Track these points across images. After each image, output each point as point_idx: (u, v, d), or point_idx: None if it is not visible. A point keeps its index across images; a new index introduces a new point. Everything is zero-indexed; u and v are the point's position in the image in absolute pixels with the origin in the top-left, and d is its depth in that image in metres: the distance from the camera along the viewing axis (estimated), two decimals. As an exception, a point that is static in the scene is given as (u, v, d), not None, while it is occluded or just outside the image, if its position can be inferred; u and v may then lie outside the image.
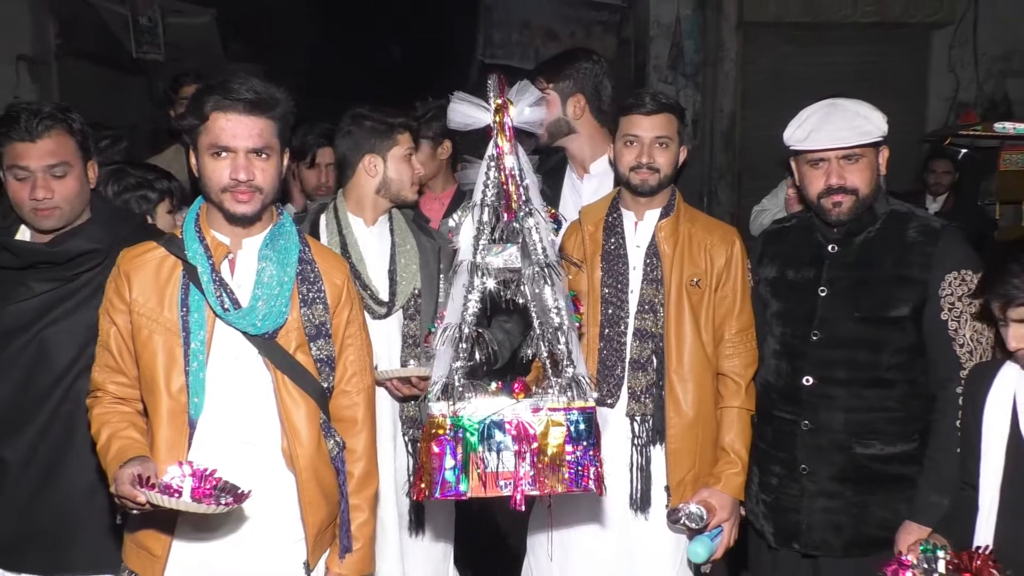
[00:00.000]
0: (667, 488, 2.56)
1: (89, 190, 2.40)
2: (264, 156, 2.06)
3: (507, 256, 1.93)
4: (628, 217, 2.64)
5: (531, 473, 1.86)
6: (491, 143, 1.95)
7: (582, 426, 1.88)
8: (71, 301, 2.31)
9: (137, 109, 8.55)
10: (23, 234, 2.38)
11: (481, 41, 8.55)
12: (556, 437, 1.87)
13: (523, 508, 1.90)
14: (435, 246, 2.77)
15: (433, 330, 2.10)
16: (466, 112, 1.97)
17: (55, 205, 2.31)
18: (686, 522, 2.51)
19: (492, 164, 1.95)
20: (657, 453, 2.57)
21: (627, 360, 2.56)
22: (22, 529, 2.32)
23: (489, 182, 1.94)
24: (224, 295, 2.05)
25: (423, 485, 1.89)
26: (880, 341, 2.40)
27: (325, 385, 2.14)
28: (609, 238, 2.63)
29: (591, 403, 1.91)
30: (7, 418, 2.32)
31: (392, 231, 2.75)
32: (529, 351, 1.98)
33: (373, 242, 2.74)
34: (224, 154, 2.04)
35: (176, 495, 1.87)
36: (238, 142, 2.03)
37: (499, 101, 1.92)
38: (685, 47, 7.71)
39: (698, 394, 2.55)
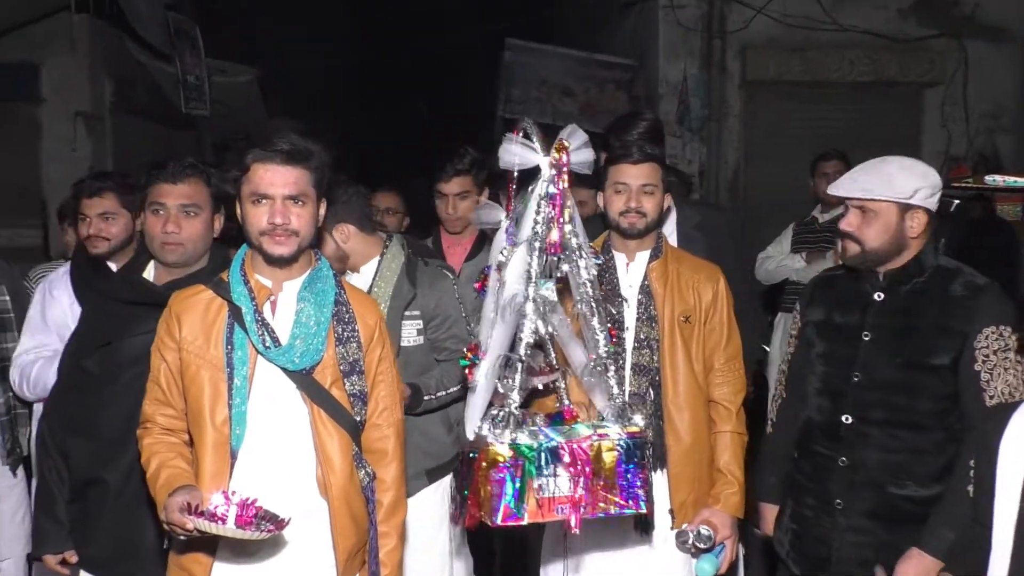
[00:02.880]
0: (671, 511, 2.58)
1: (212, 239, 2.51)
2: (300, 203, 2.11)
3: (551, 289, 1.96)
4: (620, 259, 2.69)
5: (586, 496, 1.87)
6: (542, 182, 1.99)
7: (634, 450, 1.90)
8: None
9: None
10: (149, 271, 2.50)
11: (502, 98, 8.65)
12: (608, 461, 1.88)
13: (578, 531, 1.91)
14: (411, 292, 2.81)
15: (476, 361, 2.13)
16: (517, 153, 2.02)
17: (180, 241, 2.42)
18: (695, 543, 2.53)
19: (544, 202, 1.98)
20: (659, 478, 2.58)
21: (627, 393, 2.58)
22: (114, 546, 2.39)
23: (540, 219, 1.98)
24: (266, 334, 2.09)
25: (480, 513, 1.90)
26: (918, 387, 2.39)
27: (358, 419, 2.17)
28: (603, 279, 2.65)
29: (640, 427, 1.93)
30: (113, 444, 2.37)
31: (376, 273, 2.83)
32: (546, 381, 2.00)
33: (358, 284, 2.77)
34: (263, 201, 2.09)
35: (220, 522, 1.89)
36: (275, 189, 2.08)
37: (560, 141, 1.97)
38: (692, 104, 7.78)
39: (693, 421, 2.59)
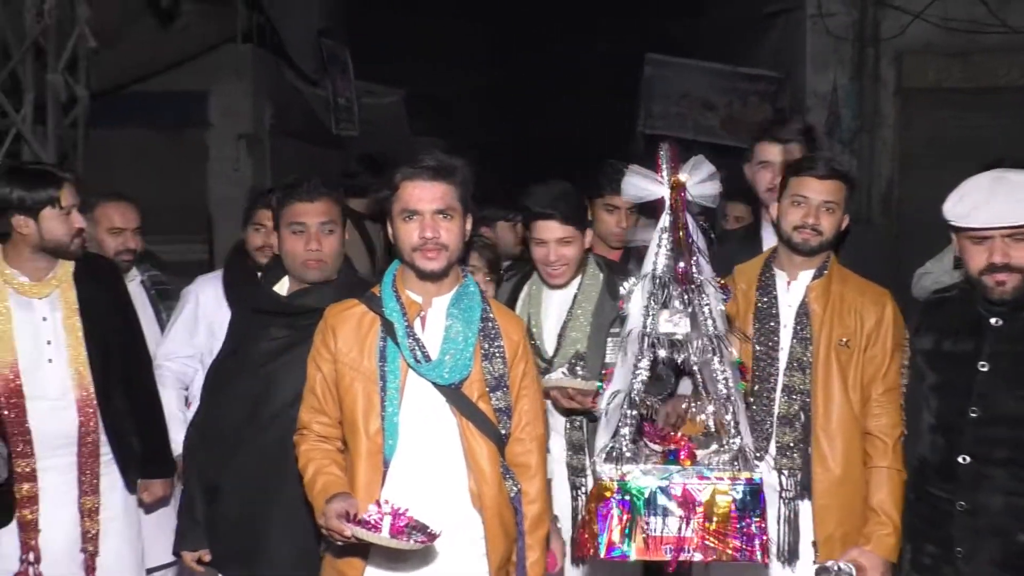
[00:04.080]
0: (814, 543, 2.46)
1: (343, 253, 2.60)
2: (448, 217, 2.16)
3: (676, 324, 1.91)
4: (781, 277, 2.59)
5: (695, 540, 1.83)
6: (664, 215, 1.96)
7: (748, 497, 1.84)
8: (299, 348, 2.43)
9: (335, 178, 9.13)
10: (281, 285, 2.59)
11: (642, 113, 8.59)
12: (722, 506, 1.83)
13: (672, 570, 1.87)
14: (615, 310, 2.74)
15: (600, 391, 2.12)
16: (640, 185, 2.00)
17: (322, 258, 2.50)
18: None
19: (665, 235, 1.95)
20: (805, 508, 2.48)
21: (775, 415, 2.50)
22: (231, 544, 2.47)
23: (660, 252, 1.95)
24: (416, 348, 2.15)
25: (589, 544, 1.89)
26: None
27: (503, 432, 2.20)
28: (762, 296, 2.58)
29: (757, 475, 1.86)
30: (229, 444, 2.47)
31: (577, 294, 2.79)
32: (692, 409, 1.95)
33: (555, 303, 2.81)
34: (413, 217, 2.15)
35: (376, 531, 1.94)
36: (424, 205, 2.14)
37: (675, 178, 1.94)
38: (842, 115, 7.47)
39: (845, 452, 2.45)
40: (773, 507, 2.46)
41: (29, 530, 2.63)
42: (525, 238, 2.97)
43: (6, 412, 2.59)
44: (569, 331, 2.75)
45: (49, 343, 2.69)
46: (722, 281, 2.07)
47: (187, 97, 7.85)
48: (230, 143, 7.96)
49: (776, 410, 2.49)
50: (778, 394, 2.49)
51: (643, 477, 1.87)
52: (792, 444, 2.47)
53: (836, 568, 2.38)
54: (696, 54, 9.02)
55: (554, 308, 2.81)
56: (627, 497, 1.86)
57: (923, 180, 7.23)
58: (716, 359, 1.87)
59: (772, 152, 3.03)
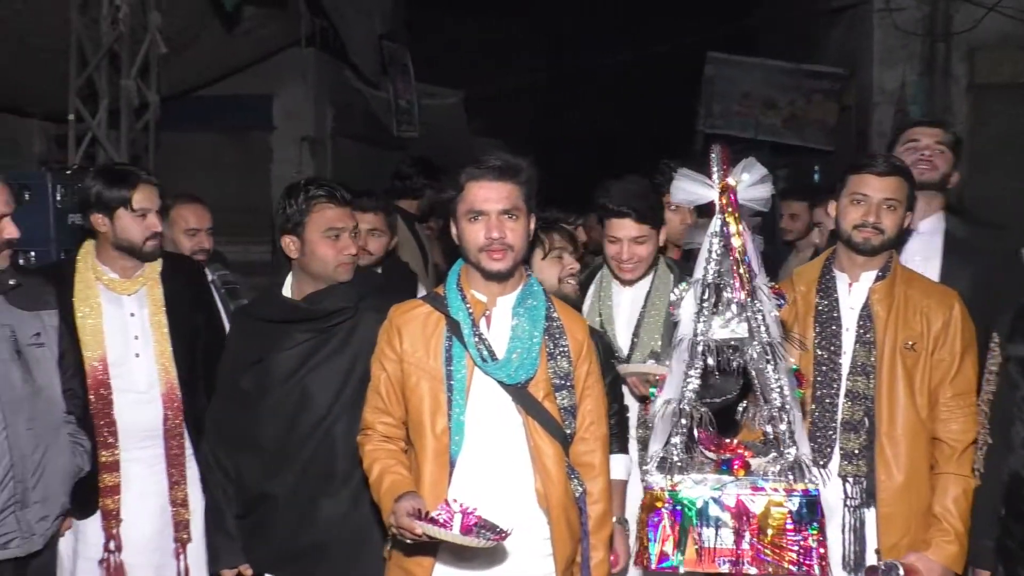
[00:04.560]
0: (878, 551, 2.39)
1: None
2: (513, 217, 2.16)
3: (729, 330, 1.88)
4: (842, 279, 2.53)
5: (750, 552, 1.79)
6: (715, 219, 1.93)
7: (804, 509, 1.80)
8: (326, 349, 2.47)
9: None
10: (286, 289, 2.60)
11: (702, 112, 8.49)
12: (777, 518, 1.79)
13: None
14: None
15: (652, 397, 2.10)
16: (689, 189, 1.97)
17: (354, 261, 2.52)
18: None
19: (716, 240, 1.92)
20: (871, 516, 2.42)
21: (839, 421, 2.44)
22: (288, 550, 2.48)
23: (712, 258, 1.91)
24: (483, 347, 2.16)
25: (645, 554, 1.88)
26: None
27: (568, 431, 2.19)
28: (823, 300, 2.52)
29: (813, 486, 1.81)
30: (274, 458, 2.47)
31: (650, 292, 2.77)
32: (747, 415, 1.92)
33: (626, 300, 2.79)
34: (479, 217, 2.15)
35: (447, 528, 1.94)
36: (490, 205, 2.14)
37: (726, 181, 1.90)
38: (911, 112, 7.26)
39: (911, 458, 2.38)
40: (838, 515, 2.42)
41: (111, 519, 2.72)
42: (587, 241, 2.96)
43: (93, 403, 2.68)
44: (643, 330, 2.73)
45: (136, 338, 2.77)
46: (775, 286, 2.03)
47: (252, 100, 8.04)
48: (293, 145, 8.12)
49: (840, 416, 2.43)
50: (841, 399, 2.44)
51: (695, 487, 1.84)
52: (857, 451, 2.41)
53: (884, 566, 2.32)
54: (758, 52, 8.88)
55: (626, 305, 2.80)
56: (679, 507, 1.84)
57: (996, 180, 7.00)
58: (770, 367, 1.83)
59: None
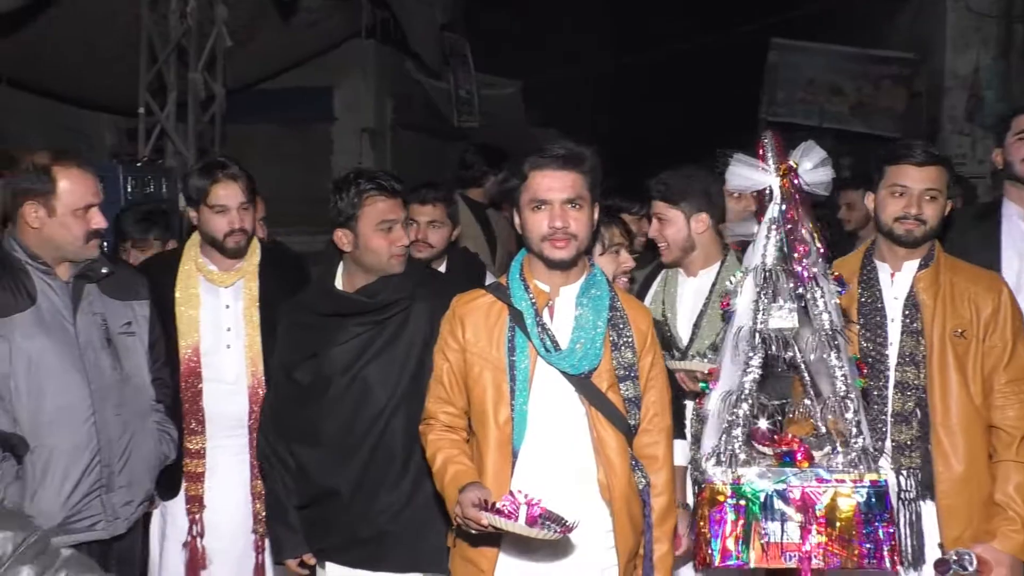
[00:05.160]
0: (941, 545, 2.33)
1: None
2: (577, 206, 2.14)
3: (787, 319, 1.84)
4: (883, 269, 2.47)
5: (818, 546, 1.75)
6: (772, 206, 1.89)
7: (874, 500, 1.75)
8: (380, 341, 2.46)
9: (455, 170, 9.27)
10: (337, 282, 2.58)
11: (764, 100, 8.32)
12: (845, 510, 1.74)
13: None
14: None
15: (706, 390, 2.07)
16: (745, 175, 1.93)
17: (404, 252, 2.50)
18: (955, 568, 2.23)
19: (773, 227, 1.87)
20: (928, 509, 2.36)
21: (889, 413, 2.38)
22: (351, 538, 2.49)
23: (769, 244, 1.87)
24: (546, 337, 2.14)
25: (704, 551, 1.84)
26: None
27: (632, 423, 2.17)
28: (865, 291, 2.46)
29: (882, 477, 1.76)
30: (337, 452, 2.46)
31: (715, 283, 2.71)
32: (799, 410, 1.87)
33: (689, 291, 2.76)
34: (543, 206, 2.14)
35: (512, 519, 1.93)
36: (553, 194, 2.13)
37: (785, 164, 1.85)
38: (985, 97, 7.02)
39: (969, 447, 2.32)
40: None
41: (194, 503, 2.78)
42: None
43: (184, 391, 2.74)
44: (704, 321, 2.68)
45: (228, 330, 2.80)
46: (836, 274, 1.98)
47: (313, 92, 8.16)
48: (354, 136, 8.22)
49: (890, 407, 2.39)
50: (891, 391, 2.39)
51: (759, 480, 1.80)
52: (909, 442, 2.37)
53: (954, 557, 2.25)
54: (823, 37, 8.67)
55: (688, 297, 2.76)
56: (742, 501, 1.79)
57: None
58: (834, 355, 1.79)
59: None
